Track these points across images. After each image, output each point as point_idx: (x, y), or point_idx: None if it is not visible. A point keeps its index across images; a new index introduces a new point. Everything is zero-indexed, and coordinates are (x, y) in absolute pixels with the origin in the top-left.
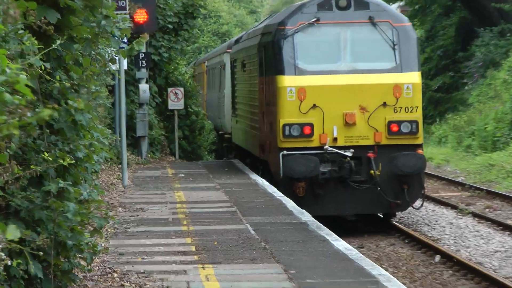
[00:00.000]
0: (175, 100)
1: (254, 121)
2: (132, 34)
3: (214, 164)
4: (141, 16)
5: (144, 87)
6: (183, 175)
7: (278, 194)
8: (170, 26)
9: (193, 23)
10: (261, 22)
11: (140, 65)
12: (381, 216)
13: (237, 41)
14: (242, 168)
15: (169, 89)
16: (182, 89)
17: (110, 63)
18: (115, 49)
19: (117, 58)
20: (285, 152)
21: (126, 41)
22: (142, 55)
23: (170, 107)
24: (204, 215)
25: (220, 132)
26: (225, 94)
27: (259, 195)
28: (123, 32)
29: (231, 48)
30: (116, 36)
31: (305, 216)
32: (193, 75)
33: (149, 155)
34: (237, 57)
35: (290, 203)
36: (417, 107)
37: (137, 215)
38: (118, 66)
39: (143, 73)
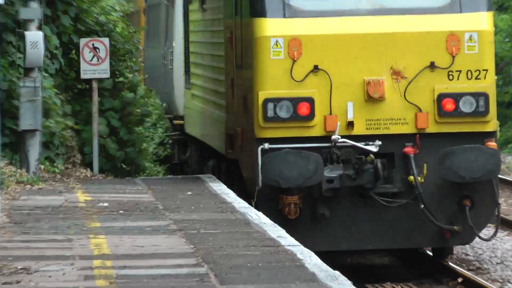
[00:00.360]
0: (94, 62)
1: (218, 96)
2: None
3: (167, 183)
4: None
5: (34, 36)
6: (106, 204)
7: (287, 240)
8: None
9: None
10: None
11: None
12: (429, 252)
13: None
14: (218, 191)
15: (82, 41)
16: (107, 40)
17: None
18: None
19: None
20: (266, 145)
21: None
22: None
23: (83, 76)
24: (145, 285)
25: (168, 118)
26: (174, 51)
27: (252, 242)
28: None
29: None
30: None
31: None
32: (126, 13)
33: (42, 166)
34: None
35: (311, 258)
36: (487, 70)
37: (17, 283)
38: None
39: (33, 10)
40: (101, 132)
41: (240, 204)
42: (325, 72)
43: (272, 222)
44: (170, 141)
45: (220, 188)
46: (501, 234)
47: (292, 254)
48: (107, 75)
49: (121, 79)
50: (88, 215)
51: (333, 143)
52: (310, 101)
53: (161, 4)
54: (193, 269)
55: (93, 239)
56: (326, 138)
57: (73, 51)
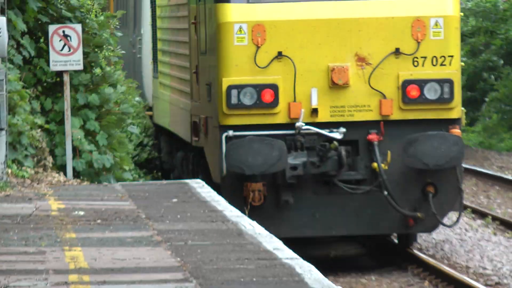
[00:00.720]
0: (65, 52)
1: (184, 83)
2: None
3: (149, 189)
4: None
5: None
6: (82, 212)
7: (284, 253)
8: None
9: None
10: None
11: None
12: (394, 240)
13: None
14: (207, 198)
15: (52, 28)
16: (79, 27)
17: None
18: None
19: None
20: (230, 132)
21: None
22: None
23: (53, 68)
24: None
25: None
26: (143, 38)
27: (245, 254)
28: None
29: None
30: None
31: None
32: None
33: (9, 170)
34: None
35: (311, 273)
36: (452, 56)
37: None
38: None
39: None
40: (74, 135)
41: (231, 212)
42: (289, 58)
43: (267, 233)
44: (150, 143)
45: (210, 195)
46: (471, 222)
47: (290, 268)
48: (80, 66)
49: (98, 71)
50: (62, 225)
51: (297, 130)
52: (274, 88)
53: None
54: (180, 284)
55: (68, 252)
56: (290, 125)
57: (42, 40)
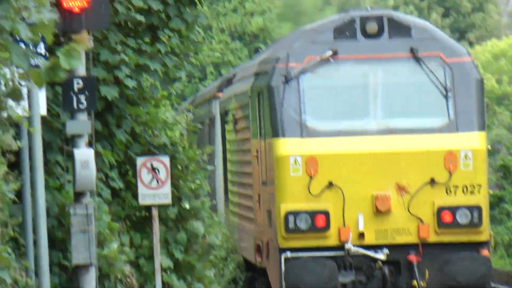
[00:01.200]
0: (153, 186)
1: (249, 210)
2: (58, 36)
3: None
4: None
5: (84, 155)
6: None
7: None
8: (140, 18)
9: (194, 14)
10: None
11: (76, 105)
12: None
13: (229, 81)
14: None
15: (140, 161)
16: (167, 159)
17: (9, 100)
18: (20, 68)
19: (24, 88)
20: (288, 254)
21: (44, 51)
22: (78, 82)
23: (142, 201)
24: None
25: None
26: (216, 168)
27: None
28: (39, 31)
29: (222, 91)
30: (22, 41)
31: None
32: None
33: None
34: (228, 107)
35: None
36: (480, 185)
37: None
38: (27, 108)
39: (82, 123)
40: (165, 268)
41: None
42: (339, 187)
43: None
44: (242, 279)
45: None
46: None
47: None
48: (169, 200)
49: (186, 206)
50: None
51: (346, 252)
52: (326, 214)
53: (205, 123)
54: None
55: None
56: (340, 247)
57: (130, 173)
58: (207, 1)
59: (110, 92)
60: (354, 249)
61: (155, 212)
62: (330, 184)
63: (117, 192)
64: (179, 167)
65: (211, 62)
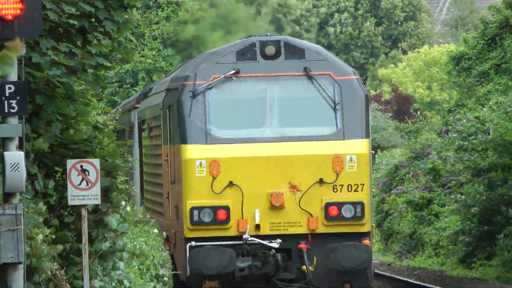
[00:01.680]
0: (83, 187)
1: (159, 205)
2: None
3: None
4: (10, 4)
5: (14, 157)
6: None
7: None
8: (74, 22)
9: (123, 18)
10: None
11: (7, 109)
12: None
13: (146, 94)
14: None
15: (70, 163)
16: (97, 162)
17: None
18: None
19: None
20: (193, 243)
21: None
22: (10, 87)
23: (71, 202)
24: None
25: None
26: (134, 172)
27: None
28: None
29: (140, 103)
30: None
31: None
32: (117, 129)
33: None
34: (144, 117)
35: None
36: (363, 184)
37: None
38: None
39: (14, 127)
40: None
41: None
42: (238, 186)
43: None
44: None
45: None
46: None
47: None
48: (98, 201)
49: (112, 208)
50: None
51: (244, 241)
52: (227, 208)
53: (125, 130)
54: None
55: None
56: (239, 237)
57: (59, 173)
58: (139, 9)
59: (40, 96)
60: (250, 239)
61: (84, 213)
62: (231, 184)
63: (46, 194)
64: (110, 167)
65: (143, 68)
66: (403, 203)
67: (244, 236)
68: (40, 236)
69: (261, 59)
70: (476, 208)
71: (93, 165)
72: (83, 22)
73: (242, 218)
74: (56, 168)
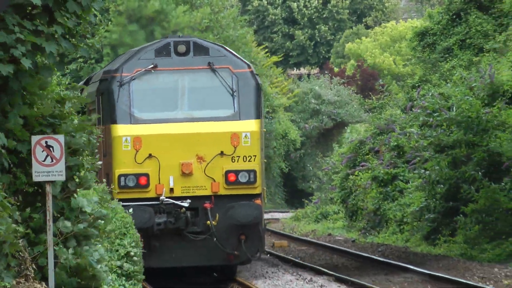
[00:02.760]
0: (48, 163)
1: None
2: None
3: None
4: None
5: None
6: None
7: None
8: (36, 2)
9: None
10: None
11: None
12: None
13: (87, 82)
14: None
15: (34, 139)
16: (62, 138)
17: None
18: None
19: None
20: (120, 203)
21: None
22: None
23: (36, 178)
24: None
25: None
26: None
27: None
28: None
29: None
30: None
31: None
32: (83, 106)
33: None
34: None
35: None
36: (255, 156)
37: None
38: None
39: None
40: (54, 240)
41: None
42: (156, 158)
43: None
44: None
45: None
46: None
47: None
48: (63, 177)
49: (78, 183)
50: None
51: (161, 202)
52: (147, 175)
53: None
54: None
55: None
56: (157, 198)
57: (25, 151)
58: None
59: (5, 69)
60: (166, 200)
61: (48, 189)
62: (150, 156)
63: (11, 170)
64: (74, 144)
65: (108, 44)
66: (367, 179)
67: (161, 198)
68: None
69: (174, 56)
70: (441, 186)
71: (57, 141)
72: (48, 1)
73: (159, 183)
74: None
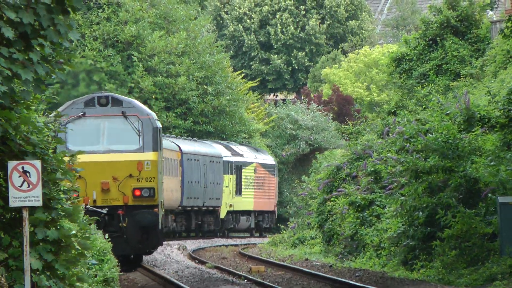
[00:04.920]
0: (24, 188)
1: None
2: None
3: None
4: None
5: None
6: None
7: None
8: (9, 34)
9: (65, 27)
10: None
11: None
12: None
13: None
14: None
15: (11, 165)
16: (38, 163)
17: None
18: None
19: None
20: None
21: None
22: None
23: (12, 204)
24: None
25: None
26: None
27: None
28: None
29: None
30: None
31: None
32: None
33: None
34: None
35: None
36: (154, 177)
37: None
38: None
39: None
40: (33, 266)
41: None
42: (84, 178)
43: None
44: (116, 279)
45: None
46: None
47: None
48: (39, 203)
49: (55, 206)
50: None
51: (87, 209)
52: (78, 191)
53: None
54: None
55: None
56: (85, 207)
57: (0, 175)
58: (80, 11)
59: None
60: (91, 208)
61: (25, 214)
62: (80, 177)
63: None
64: (49, 169)
65: (84, 69)
66: (344, 204)
67: (87, 206)
68: None
69: (98, 106)
70: (418, 212)
71: (34, 167)
72: (25, 28)
73: (86, 196)
74: None
